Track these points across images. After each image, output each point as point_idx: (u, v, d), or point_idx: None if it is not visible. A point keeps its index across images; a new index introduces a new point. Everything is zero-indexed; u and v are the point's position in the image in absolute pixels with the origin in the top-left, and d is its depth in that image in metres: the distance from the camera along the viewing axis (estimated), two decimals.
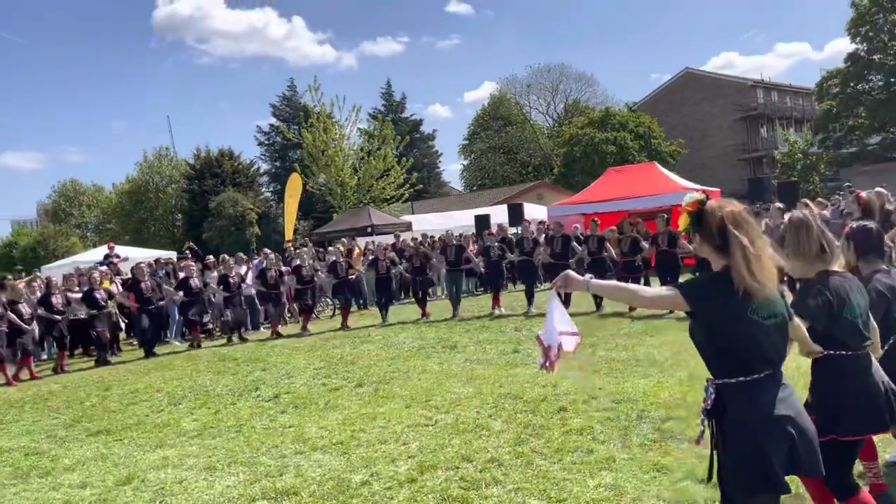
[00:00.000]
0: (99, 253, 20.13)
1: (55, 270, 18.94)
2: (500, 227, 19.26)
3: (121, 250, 18.61)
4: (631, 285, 3.12)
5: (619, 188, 20.34)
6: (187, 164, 50.53)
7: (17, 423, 7.90)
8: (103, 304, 12.07)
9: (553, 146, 52.84)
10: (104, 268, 14.47)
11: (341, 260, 14.59)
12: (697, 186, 19.57)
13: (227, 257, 15.14)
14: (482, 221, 19.82)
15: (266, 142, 53.67)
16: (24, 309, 11.43)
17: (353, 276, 15.30)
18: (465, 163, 57.90)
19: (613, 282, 3.10)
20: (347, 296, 14.48)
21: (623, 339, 9.39)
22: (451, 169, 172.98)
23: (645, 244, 12.62)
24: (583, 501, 4.14)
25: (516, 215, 19.75)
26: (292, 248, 17.58)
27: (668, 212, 17.34)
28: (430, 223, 24.19)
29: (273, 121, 52.02)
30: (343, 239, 19.04)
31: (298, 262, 14.42)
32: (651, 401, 6.10)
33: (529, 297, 13.66)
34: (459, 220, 24.06)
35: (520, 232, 14.96)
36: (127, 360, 12.39)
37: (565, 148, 44.56)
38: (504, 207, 23.79)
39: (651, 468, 4.56)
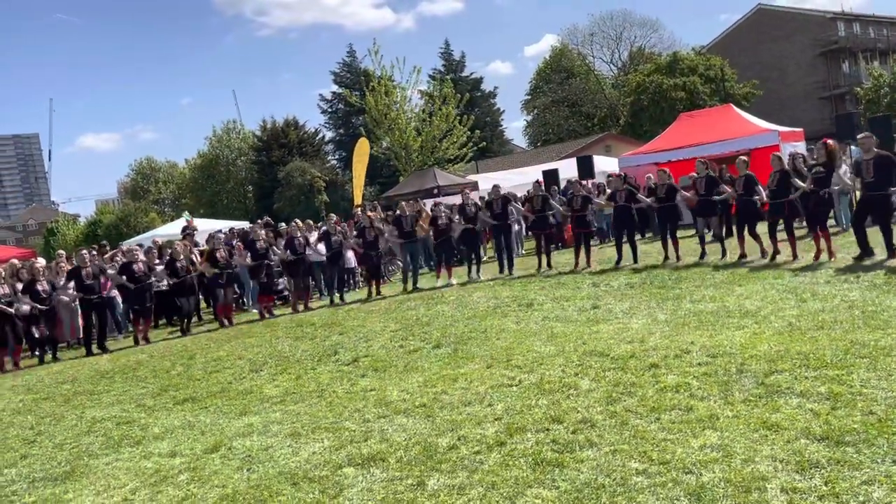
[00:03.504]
0: (175, 226, 20.66)
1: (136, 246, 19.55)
2: (569, 181, 18.84)
3: (197, 223, 18.97)
4: None
5: (694, 134, 19.42)
6: (255, 136, 51.39)
7: (108, 393, 8.11)
8: (184, 272, 12.27)
9: (619, 96, 51.17)
10: (182, 240, 14.76)
11: (406, 215, 14.23)
12: (780, 128, 18.50)
13: (298, 222, 15.11)
14: (550, 176, 19.29)
15: (329, 109, 53.96)
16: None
17: (421, 236, 15.13)
18: (529, 118, 56.82)
19: None
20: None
21: (710, 290, 8.92)
22: (514, 126, 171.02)
23: (726, 188, 11.96)
24: (688, 463, 3.84)
25: (586, 168, 19.13)
26: (360, 213, 17.51)
27: (746, 155, 16.45)
28: (496, 181, 23.72)
29: (335, 88, 52.21)
30: (410, 201, 18.87)
31: (363, 224, 14.23)
32: (750, 353, 5.70)
33: (471, 264, 13.87)
34: (527, 177, 23.54)
35: (463, 199, 14.83)
36: (210, 329, 12.67)
37: (632, 97, 43.10)
38: (572, 161, 23.15)
39: (760, 426, 4.21)
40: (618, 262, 12.69)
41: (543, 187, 17.90)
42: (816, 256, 10.02)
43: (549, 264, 13.68)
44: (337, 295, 13.62)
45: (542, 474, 4.00)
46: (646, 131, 38.43)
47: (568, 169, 21.04)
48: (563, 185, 18.85)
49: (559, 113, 51.49)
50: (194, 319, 13.26)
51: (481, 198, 17.75)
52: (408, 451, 4.71)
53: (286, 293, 14.81)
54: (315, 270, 14.93)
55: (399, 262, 16.40)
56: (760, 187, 11.16)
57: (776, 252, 10.66)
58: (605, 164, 22.23)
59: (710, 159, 17.31)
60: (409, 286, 13.67)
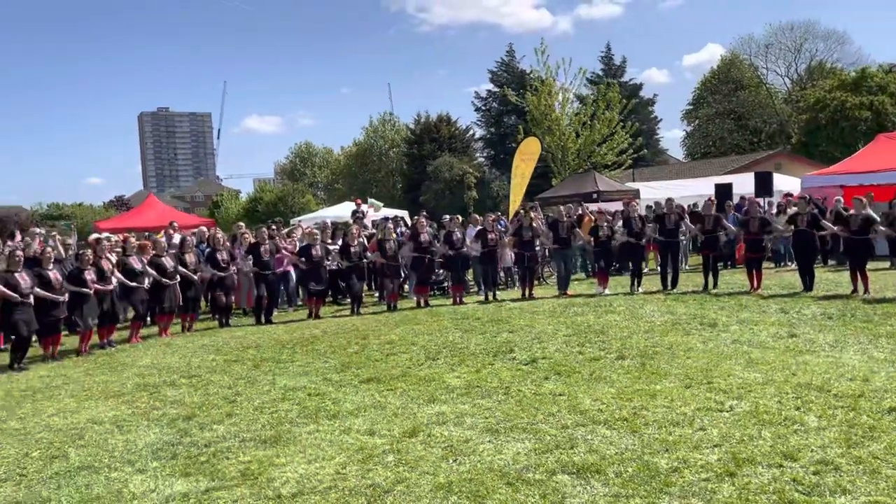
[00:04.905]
0: (342, 209, 21.42)
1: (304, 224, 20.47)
2: (742, 197, 17.85)
3: (364, 207, 19.52)
4: None
5: (892, 158, 17.70)
6: (408, 128, 52.64)
7: (293, 364, 8.43)
8: (357, 258, 12.68)
9: (791, 112, 47.84)
10: (355, 224, 15.24)
11: (564, 220, 13.95)
12: None
13: (458, 217, 15.17)
14: (723, 190, 18.22)
15: (483, 107, 54.16)
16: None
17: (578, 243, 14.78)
18: (689, 129, 54.35)
19: None
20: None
21: None
22: (668, 136, 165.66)
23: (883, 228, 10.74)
24: None
25: (764, 185, 17.90)
26: (523, 213, 17.35)
27: None
28: (657, 191, 22.81)
29: (490, 86, 52.32)
30: (569, 204, 18.49)
31: (521, 224, 13.98)
32: None
33: (634, 277, 13.39)
34: (690, 189, 22.46)
35: (627, 211, 14.22)
36: (375, 311, 12.99)
37: (807, 114, 40.06)
38: (746, 176, 21.84)
39: None
40: (804, 289, 11.80)
41: (716, 203, 16.98)
42: None
43: (715, 285, 12.90)
44: (491, 292, 13.62)
45: None
46: (822, 151, 35.67)
47: (741, 184, 19.82)
48: (735, 199, 17.80)
49: (723, 125, 48.82)
50: None
51: (648, 206, 17.09)
52: (624, 466, 4.46)
53: (445, 284, 14.95)
54: (473, 266, 14.94)
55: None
56: None
57: None
58: (784, 183, 20.75)
59: None
60: (561, 290, 13.48)
